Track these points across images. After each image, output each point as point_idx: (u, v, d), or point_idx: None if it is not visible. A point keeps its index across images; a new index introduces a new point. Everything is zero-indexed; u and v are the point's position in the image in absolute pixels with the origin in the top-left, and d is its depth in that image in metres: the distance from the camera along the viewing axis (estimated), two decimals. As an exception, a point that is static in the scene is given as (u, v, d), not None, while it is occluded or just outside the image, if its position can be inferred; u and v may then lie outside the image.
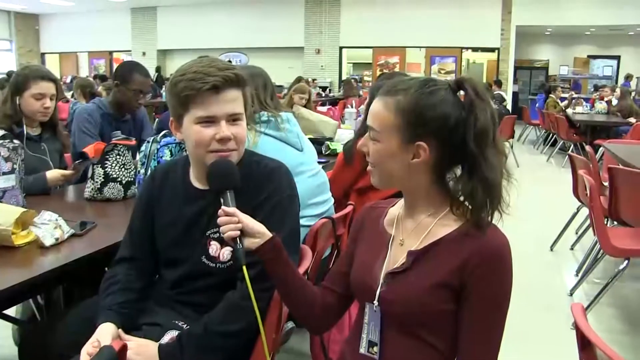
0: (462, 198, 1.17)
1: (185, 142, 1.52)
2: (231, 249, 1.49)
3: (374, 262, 1.24)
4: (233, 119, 1.46)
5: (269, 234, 1.26)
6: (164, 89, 10.50)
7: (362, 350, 1.24)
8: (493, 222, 1.18)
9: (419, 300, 1.14)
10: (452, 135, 1.14)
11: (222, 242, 1.50)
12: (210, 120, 1.43)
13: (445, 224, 1.18)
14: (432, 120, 1.13)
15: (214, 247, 1.52)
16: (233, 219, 1.25)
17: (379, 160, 1.19)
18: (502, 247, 1.13)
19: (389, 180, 1.22)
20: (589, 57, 16.82)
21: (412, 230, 1.22)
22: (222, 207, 1.28)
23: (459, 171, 1.19)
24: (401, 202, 1.29)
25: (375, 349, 1.21)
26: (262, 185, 1.51)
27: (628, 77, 14.24)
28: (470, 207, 1.16)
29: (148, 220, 1.62)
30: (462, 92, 1.18)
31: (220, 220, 1.26)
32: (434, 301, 1.14)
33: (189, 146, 1.51)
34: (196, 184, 1.57)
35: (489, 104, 1.16)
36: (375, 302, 1.21)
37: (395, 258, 1.22)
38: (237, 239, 1.25)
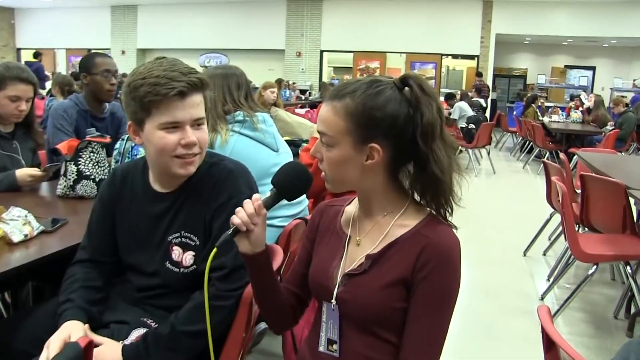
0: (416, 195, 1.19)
1: (146, 147, 1.47)
2: (194, 254, 1.48)
3: (331, 262, 1.24)
4: (197, 123, 1.44)
5: (262, 246, 1.22)
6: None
7: (322, 348, 1.24)
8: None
9: (375, 300, 1.15)
10: (403, 133, 1.14)
11: (184, 247, 1.50)
12: (175, 126, 1.40)
13: (402, 224, 1.19)
14: (381, 120, 1.13)
15: (176, 252, 1.51)
16: (255, 218, 1.17)
17: (333, 164, 1.18)
18: (452, 247, 1.15)
19: (343, 184, 1.21)
20: (566, 67, 17.11)
21: (369, 230, 1.23)
22: (261, 200, 1.18)
23: (411, 167, 1.19)
24: (356, 201, 1.29)
25: (335, 346, 1.22)
26: (221, 188, 1.49)
27: None
28: (425, 202, 1.18)
29: (108, 221, 1.60)
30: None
31: (246, 206, 1.17)
32: (389, 300, 1.15)
33: (150, 151, 1.46)
34: (156, 187, 1.54)
35: (435, 99, 1.16)
36: (333, 302, 1.21)
37: (352, 258, 1.22)
38: (235, 229, 1.17)
